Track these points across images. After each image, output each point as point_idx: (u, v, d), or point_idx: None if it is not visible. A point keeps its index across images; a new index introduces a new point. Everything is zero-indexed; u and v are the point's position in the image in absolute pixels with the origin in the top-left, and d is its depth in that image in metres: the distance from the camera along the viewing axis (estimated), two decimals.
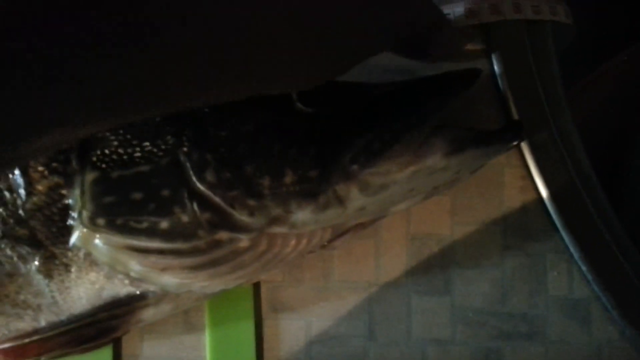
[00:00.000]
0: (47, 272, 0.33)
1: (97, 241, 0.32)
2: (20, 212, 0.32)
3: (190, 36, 0.24)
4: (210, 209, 0.32)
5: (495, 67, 0.40)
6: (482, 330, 0.40)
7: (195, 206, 0.31)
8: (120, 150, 0.32)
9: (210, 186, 0.32)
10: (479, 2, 0.39)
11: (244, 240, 0.33)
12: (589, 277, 0.40)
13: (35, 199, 0.32)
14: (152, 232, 0.31)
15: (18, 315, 0.34)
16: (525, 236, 0.40)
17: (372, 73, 0.38)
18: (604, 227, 0.40)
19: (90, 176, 0.32)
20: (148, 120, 0.32)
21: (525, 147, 0.40)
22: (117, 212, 0.31)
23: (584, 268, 0.40)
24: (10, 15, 0.19)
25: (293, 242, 0.34)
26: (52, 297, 0.34)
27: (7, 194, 0.32)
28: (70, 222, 0.32)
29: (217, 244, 0.32)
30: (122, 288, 0.34)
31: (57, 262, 0.33)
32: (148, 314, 0.35)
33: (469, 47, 0.41)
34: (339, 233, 0.36)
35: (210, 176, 0.32)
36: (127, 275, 0.33)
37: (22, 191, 0.32)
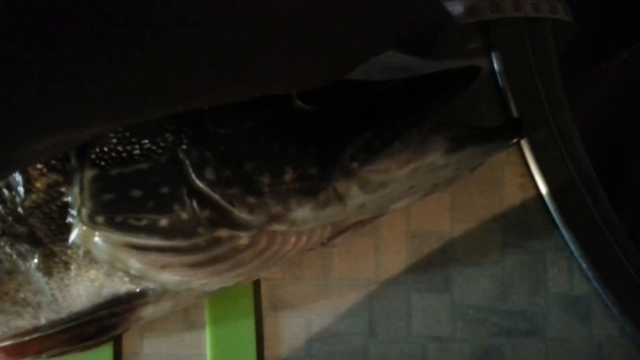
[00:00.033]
0: (46, 269, 0.33)
1: (96, 239, 0.32)
2: (20, 209, 0.32)
3: (191, 36, 0.24)
4: (210, 207, 0.32)
5: (495, 65, 0.40)
6: (482, 328, 0.40)
7: (194, 204, 0.31)
8: (119, 148, 0.32)
9: (209, 184, 0.32)
10: (479, 0, 0.39)
11: (243, 238, 0.33)
12: (589, 274, 0.40)
13: (34, 196, 0.32)
14: (151, 230, 0.31)
15: (18, 313, 0.34)
16: (525, 233, 0.40)
17: (372, 70, 0.38)
18: (604, 225, 0.40)
19: (89, 174, 0.32)
20: None
21: (525, 145, 0.40)
22: (117, 209, 0.31)
23: (584, 265, 0.40)
24: (10, 15, 0.20)
25: (293, 239, 0.34)
26: (52, 294, 0.34)
27: (6, 191, 0.32)
28: (69, 219, 0.32)
29: (217, 241, 0.32)
30: (121, 286, 0.34)
31: (56, 259, 0.33)
32: (148, 311, 0.35)
33: (469, 45, 0.40)
34: (339, 230, 0.36)
35: (209, 174, 0.32)
36: (127, 273, 0.33)
37: (21, 189, 0.32)
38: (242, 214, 0.32)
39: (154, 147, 0.32)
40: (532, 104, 0.40)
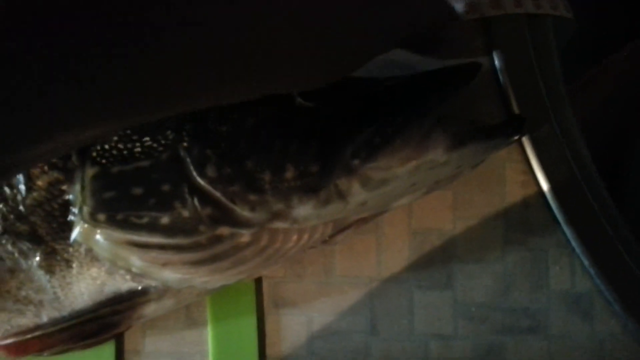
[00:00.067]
0: (48, 267, 0.33)
1: (97, 237, 0.32)
2: (21, 207, 0.32)
3: (191, 36, 0.24)
4: (211, 204, 0.32)
5: (496, 62, 0.40)
6: (484, 325, 0.40)
7: (196, 201, 0.31)
8: (120, 146, 0.32)
9: (210, 181, 0.32)
10: None
11: (245, 236, 0.33)
12: (591, 271, 0.40)
13: (35, 194, 0.32)
14: (152, 228, 0.31)
15: (20, 311, 0.34)
16: (527, 231, 0.40)
17: (373, 68, 0.38)
18: (606, 221, 0.40)
19: (90, 171, 0.32)
20: None
21: (526, 142, 0.40)
22: (118, 207, 0.31)
23: (586, 262, 0.40)
24: (10, 15, 0.20)
25: (294, 237, 0.34)
26: (54, 292, 0.34)
27: (7, 189, 0.32)
28: (70, 217, 0.32)
29: (218, 239, 0.32)
30: (123, 283, 0.34)
31: (58, 257, 0.33)
32: (150, 309, 0.35)
33: (470, 41, 0.40)
34: (341, 228, 0.36)
35: (210, 171, 0.32)
36: (129, 271, 0.33)
37: (22, 187, 0.32)
38: (243, 212, 0.32)
39: (155, 145, 0.32)
40: (533, 101, 0.40)
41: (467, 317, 0.40)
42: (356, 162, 0.32)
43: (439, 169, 0.34)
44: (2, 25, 0.20)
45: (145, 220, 0.31)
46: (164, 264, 0.32)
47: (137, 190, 0.32)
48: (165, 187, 0.32)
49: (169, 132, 0.32)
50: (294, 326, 0.40)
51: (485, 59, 0.40)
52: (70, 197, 0.32)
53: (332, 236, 0.36)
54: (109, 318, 0.35)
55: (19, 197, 0.32)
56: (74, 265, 0.33)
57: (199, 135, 0.32)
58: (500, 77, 0.40)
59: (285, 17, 0.26)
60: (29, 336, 0.35)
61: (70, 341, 0.35)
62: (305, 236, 0.34)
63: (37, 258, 0.33)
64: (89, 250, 0.33)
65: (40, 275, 0.33)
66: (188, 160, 0.32)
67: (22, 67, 0.21)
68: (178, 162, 0.32)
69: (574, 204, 0.40)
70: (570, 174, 0.40)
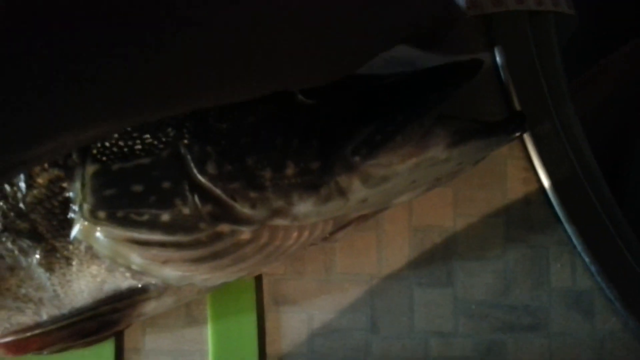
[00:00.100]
0: (48, 265, 0.33)
1: (98, 234, 0.32)
2: (21, 205, 0.32)
3: (191, 37, 0.24)
4: (212, 202, 0.32)
5: (498, 59, 0.40)
6: (485, 323, 0.40)
7: (196, 198, 0.31)
8: (121, 143, 0.32)
9: (211, 178, 0.32)
10: None
11: (245, 233, 0.33)
12: (592, 268, 0.40)
13: (35, 192, 0.32)
14: (153, 225, 0.31)
15: (20, 309, 0.34)
16: (528, 228, 0.40)
17: (374, 64, 0.38)
18: (607, 219, 0.40)
19: (90, 169, 0.32)
20: None
21: (527, 139, 0.40)
22: (118, 204, 0.31)
23: (587, 260, 0.40)
24: (10, 15, 0.20)
25: (295, 234, 0.34)
26: (54, 290, 0.34)
27: (7, 187, 0.32)
28: (71, 215, 0.32)
29: (219, 236, 0.32)
30: (123, 281, 0.34)
31: (58, 255, 0.33)
32: (150, 307, 0.35)
33: (471, 38, 0.40)
34: (341, 225, 0.36)
35: (211, 168, 0.32)
36: (129, 268, 0.33)
37: (22, 184, 0.32)
38: (244, 209, 0.32)
39: (155, 142, 0.32)
40: (535, 98, 0.40)
41: (468, 315, 0.40)
42: (357, 159, 0.32)
43: (440, 166, 0.34)
44: (2, 26, 0.20)
45: (145, 217, 0.31)
46: (164, 262, 0.32)
47: (138, 188, 0.31)
48: (166, 185, 0.31)
49: (169, 129, 0.32)
50: (294, 324, 0.40)
51: (487, 55, 0.40)
52: (71, 194, 0.32)
53: (332, 233, 0.36)
54: (108, 316, 0.35)
55: (19, 195, 0.32)
56: (74, 262, 0.33)
57: (200, 132, 0.32)
58: (502, 74, 0.40)
59: (285, 17, 0.26)
60: (28, 334, 0.35)
61: (70, 339, 0.35)
62: (306, 233, 0.34)
63: (37, 256, 0.33)
64: (89, 248, 0.33)
65: (40, 273, 0.33)
66: (188, 157, 0.32)
67: (23, 67, 0.21)
68: (178, 160, 0.32)
69: (575, 201, 0.40)
70: (571, 171, 0.40)
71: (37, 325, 0.35)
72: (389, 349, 0.40)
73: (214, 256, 0.33)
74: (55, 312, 0.34)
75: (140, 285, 0.34)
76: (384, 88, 0.35)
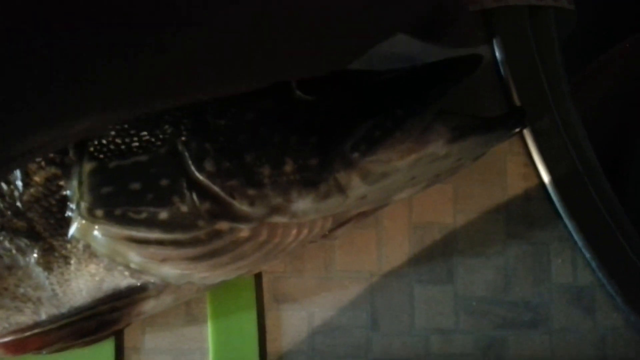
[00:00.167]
0: (46, 264, 0.33)
1: (95, 232, 0.32)
2: (18, 204, 0.32)
3: (191, 37, 0.24)
4: (210, 199, 0.31)
5: (497, 54, 0.40)
6: (486, 319, 0.40)
7: (194, 196, 0.31)
8: (118, 140, 0.32)
9: (209, 176, 0.31)
10: None
11: (244, 230, 0.32)
12: (593, 264, 0.40)
13: (32, 190, 0.32)
14: (151, 223, 0.31)
15: (18, 309, 0.34)
16: (529, 224, 0.40)
17: (373, 59, 0.37)
18: (608, 214, 0.40)
19: (87, 167, 0.32)
20: None
21: (527, 134, 0.40)
22: (116, 202, 0.31)
23: (587, 255, 0.40)
24: (10, 15, 0.19)
25: (294, 231, 0.34)
26: (52, 289, 0.34)
27: (4, 185, 0.32)
28: (68, 213, 0.32)
29: (217, 234, 0.32)
30: (122, 280, 0.34)
31: (56, 254, 0.33)
32: (149, 305, 0.35)
33: (471, 33, 0.40)
34: (341, 222, 0.36)
35: (209, 166, 0.31)
36: (127, 267, 0.33)
37: (19, 183, 0.32)
38: (242, 206, 0.32)
39: (152, 139, 0.32)
40: (535, 93, 0.40)
41: (468, 312, 0.40)
42: (356, 155, 0.32)
43: (440, 162, 0.34)
44: (2, 26, 0.20)
45: (143, 215, 0.31)
46: (163, 260, 0.32)
47: (135, 185, 0.31)
48: (164, 182, 0.31)
49: (167, 126, 0.32)
50: (294, 321, 0.40)
51: (487, 50, 0.40)
52: (68, 192, 0.32)
53: (332, 230, 0.36)
54: (107, 315, 0.35)
55: (16, 193, 0.32)
56: (72, 261, 0.33)
57: (198, 129, 0.32)
58: (502, 69, 0.40)
59: (285, 17, 0.26)
60: (27, 334, 0.35)
61: (69, 338, 0.35)
62: (305, 231, 0.34)
63: (35, 255, 0.33)
64: (87, 247, 0.33)
65: (39, 272, 0.33)
66: (186, 154, 0.32)
67: (23, 67, 0.21)
68: (176, 157, 0.32)
69: (575, 197, 0.40)
70: (571, 166, 0.40)
71: (36, 324, 0.35)
72: (389, 346, 0.40)
73: (213, 254, 0.32)
74: (54, 311, 0.34)
75: (139, 284, 0.34)
76: (383, 84, 0.35)
